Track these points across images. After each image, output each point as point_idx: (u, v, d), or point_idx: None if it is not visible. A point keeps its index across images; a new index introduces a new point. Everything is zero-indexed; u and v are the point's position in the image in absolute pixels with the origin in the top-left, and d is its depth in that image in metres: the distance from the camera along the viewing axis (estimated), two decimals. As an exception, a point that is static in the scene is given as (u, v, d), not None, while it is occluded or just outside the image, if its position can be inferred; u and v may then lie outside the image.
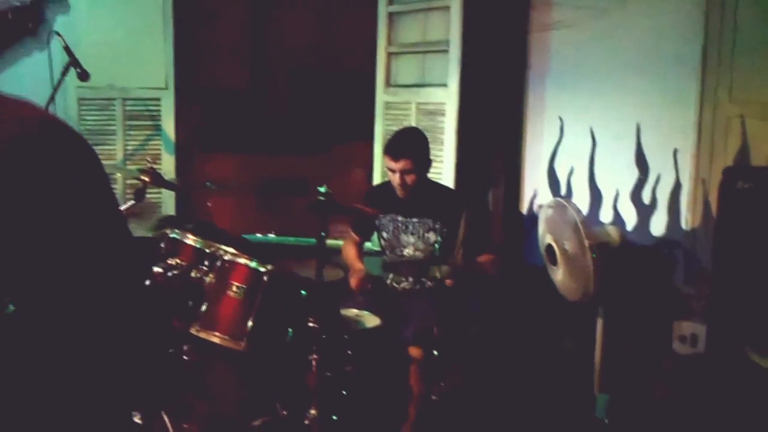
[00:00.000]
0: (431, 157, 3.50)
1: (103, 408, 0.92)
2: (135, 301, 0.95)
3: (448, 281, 3.15)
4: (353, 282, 3.40)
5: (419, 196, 3.43)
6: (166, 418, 2.60)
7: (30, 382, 0.84)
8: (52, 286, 0.84)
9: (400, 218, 3.49)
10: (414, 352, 3.19)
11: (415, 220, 3.46)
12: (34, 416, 0.85)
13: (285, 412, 2.90)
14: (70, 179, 0.86)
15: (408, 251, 3.49)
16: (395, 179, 3.37)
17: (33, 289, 0.83)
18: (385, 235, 3.55)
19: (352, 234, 3.70)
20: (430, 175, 3.53)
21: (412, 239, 3.48)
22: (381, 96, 4.57)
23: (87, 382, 0.89)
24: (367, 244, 4.00)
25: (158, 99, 4.63)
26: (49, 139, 0.87)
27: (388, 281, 3.58)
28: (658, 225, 3.67)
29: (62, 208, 0.85)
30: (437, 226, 3.42)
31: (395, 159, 3.34)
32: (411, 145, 3.41)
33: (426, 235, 3.45)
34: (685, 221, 3.57)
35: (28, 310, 0.83)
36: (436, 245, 3.30)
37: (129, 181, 4.36)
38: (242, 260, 2.91)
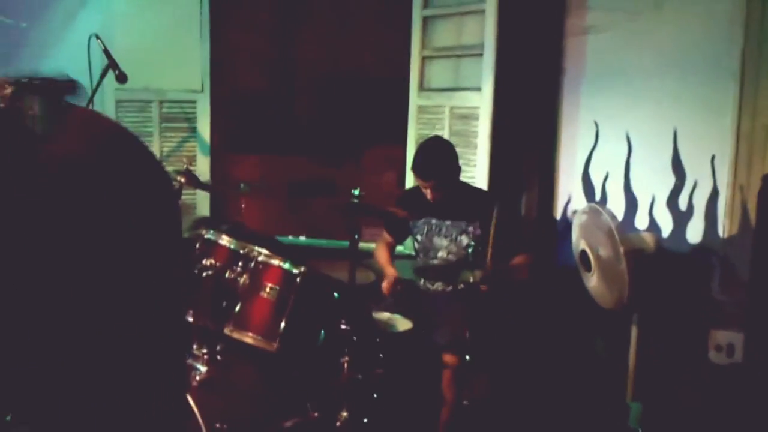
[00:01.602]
0: (461, 164, 3.50)
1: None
2: (170, 331, 0.91)
3: (483, 286, 3.14)
4: (385, 285, 3.41)
5: (453, 199, 3.43)
6: (199, 418, 2.62)
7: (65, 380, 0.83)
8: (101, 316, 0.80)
9: (434, 221, 3.50)
10: (448, 358, 3.18)
11: (448, 222, 3.47)
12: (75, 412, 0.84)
13: (316, 414, 2.91)
14: (133, 205, 0.81)
15: (441, 254, 3.49)
16: (427, 193, 3.42)
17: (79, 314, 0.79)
18: (419, 237, 3.56)
19: (386, 236, 3.71)
20: (464, 178, 3.53)
21: (445, 242, 3.48)
22: (414, 100, 4.58)
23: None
24: (400, 248, 4.01)
25: (194, 101, 4.68)
26: (115, 160, 0.82)
27: (421, 284, 3.58)
28: (694, 232, 3.62)
29: (123, 234, 0.80)
30: (470, 228, 3.42)
31: (425, 180, 3.36)
32: (438, 166, 3.40)
33: (459, 238, 3.45)
34: (722, 228, 3.51)
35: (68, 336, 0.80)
36: (470, 249, 3.29)
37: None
38: (276, 262, 2.93)
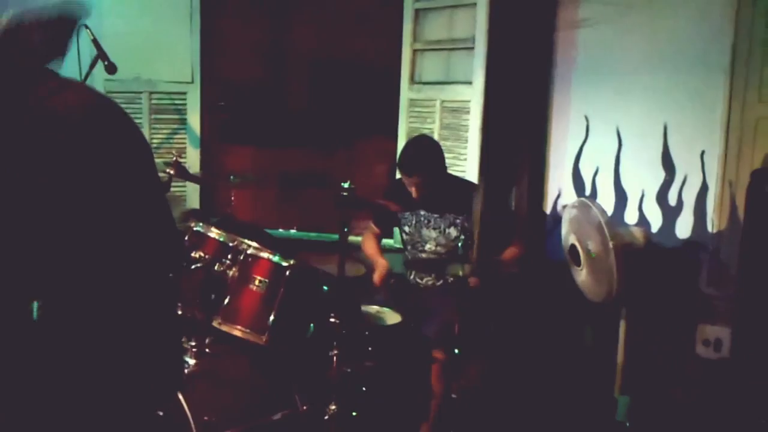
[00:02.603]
0: (451, 158, 3.50)
1: (126, 400, 0.92)
2: (163, 286, 0.96)
3: (471, 280, 3.14)
4: (376, 276, 3.41)
5: (442, 192, 3.43)
6: (187, 411, 2.61)
7: (55, 373, 0.85)
8: (87, 266, 0.85)
9: (422, 213, 3.50)
10: (437, 352, 3.18)
11: (437, 215, 3.47)
12: (59, 408, 0.85)
13: (305, 407, 2.90)
14: (115, 159, 0.87)
15: (429, 246, 3.49)
16: (412, 190, 3.41)
17: (68, 269, 0.84)
18: (407, 229, 3.56)
19: (372, 227, 3.71)
20: (454, 172, 3.53)
21: (433, 234, 3.48)
22: (405, 93, 4.57)
23: (110, 373, 0.89)
24: (389, 241, 4.00)
25: (184, 93, 4.66)
26: (97, 122, 0.88)
27: (411, 278, 3.58)
28: (683, 227, 3.63)
29: (108, 185, 0.86)
30: (458, 221, 3.42)
31: (408, 174, 3.37)
32: (423, 162, 3.41)
33: (448, 230, 3.45)
34: (711, 223, 3.52)
35: (59, 293, 0.83)
36: (460, 243, 3.29)
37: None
38: (265, 254, 2.92)
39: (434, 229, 3.48)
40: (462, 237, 3.38)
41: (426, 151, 3.46)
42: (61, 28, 0.91)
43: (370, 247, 3.65)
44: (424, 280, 3.54)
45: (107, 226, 0.86)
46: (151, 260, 0.93)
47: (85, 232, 0.84)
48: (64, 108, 0.85)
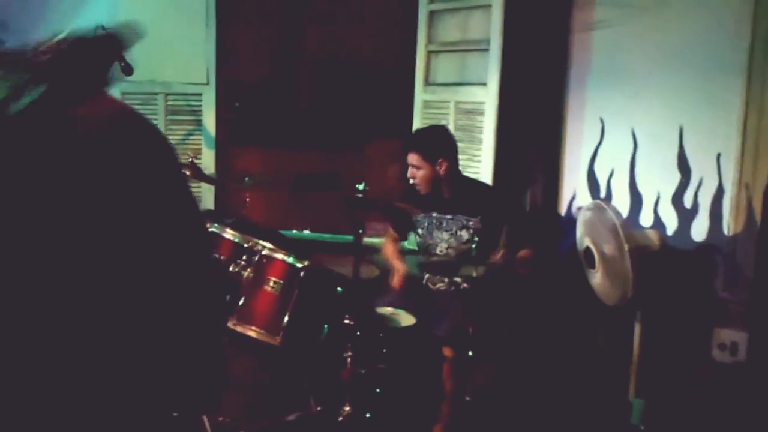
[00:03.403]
0: (462, 162, 3.49)
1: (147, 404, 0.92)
2: (199, 297, 0.95)
3: (475, 273, 3.14)
4: (395, 280, 3.40)
5: (455, 193, 3.42)
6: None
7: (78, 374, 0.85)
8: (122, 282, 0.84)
9: (435, 214, 3.49)
10: (447, 351, 3.18)
11: (449, 216, 3.46)
12: (76, 410, 0.85)
13: (318, 408, 2.91)
14: (145, 179, 0.85)
15: (441, 248, 3.48)
16: (410, 175, 3.41)
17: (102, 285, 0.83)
18: (420, 231, 3.56)
19: (391, 231, 3.71)
20: (469, 173, 3.52)
21: (445, 236, 3.47)
22: (419, 94, 4.57)
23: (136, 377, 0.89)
24: (405, 244, 4.00)
25: (199, 94, 4.68)
26: (124, 139, 0.87)
27: (424, 281, 3.58)
28: (699, 230, 3.61)
29: (137, 206, 0.84)
30: (470, 223, 3.40)
31: (405, 152, 3.39)
32: (421, 140, 3.43)
33: (459, 232, 3.43)
34: (727, 226, 3.50)
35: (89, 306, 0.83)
36: (473, 245, 3.28)
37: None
38: (279, 255, 2.93)
39: (446, 231, 3.47)
40: (476, 239, 3.37)
41: (430, 132, 3.52)
42: (111, 52, 0.91)
43: (388, 250, 3.65)
44: (437, 285, 3.53)
45: (146, 234, 0.86)
46: (185, 267, 0.92)
47: (122, 244, 0.84)
48: (97, 125, 0.84)
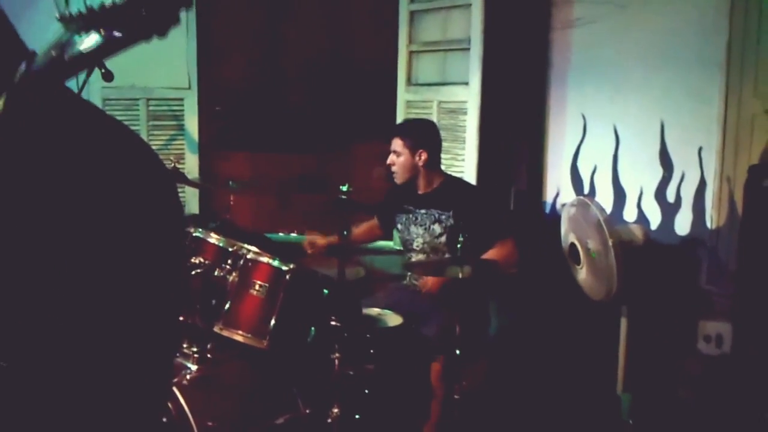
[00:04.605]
0: (445, 161, 3.51)
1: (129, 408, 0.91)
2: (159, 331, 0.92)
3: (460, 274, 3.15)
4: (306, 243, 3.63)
5: (432, 189, 3.44)
6: (190, 417, 2.62)
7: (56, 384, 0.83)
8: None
9: (411, 208, 3.51)
10: (435, 351, 3.19)
11: (423, 211, 3.46)
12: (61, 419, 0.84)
13: (307, 411, 2.91)
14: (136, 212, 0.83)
15: (417, 243, 3.48)
16: (389, 161, 3.47)
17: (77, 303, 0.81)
18: (399, 227, 3.57)
19: (375, 220, 3.75)
20: (453, 172, 3.53)
21: (420, 230, 3.47)
22: (402, 95, 4.57)
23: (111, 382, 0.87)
24: (389, 243, 4.01)
25: (181, 99, 4.66)
26: (124, 172, 0.85)
27: (407, 280, 3.58)
28: (682, 223, 3.63)
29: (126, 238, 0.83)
30: (443, 217, 3.39)
31: (389, 139, 3.47)
32: (406, 127, 3.62)
33: (432, 226, 3.43)
34: (710, 219, 3.52)
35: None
36: (458, 245, 3.28)
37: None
38: (265, 259, 2.92)
39: (420, 226, 3.47)
40: (453, 234, 3.32)
41: (417, 122, 3.73)
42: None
43: (356, 228, 3.71)
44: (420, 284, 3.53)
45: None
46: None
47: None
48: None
